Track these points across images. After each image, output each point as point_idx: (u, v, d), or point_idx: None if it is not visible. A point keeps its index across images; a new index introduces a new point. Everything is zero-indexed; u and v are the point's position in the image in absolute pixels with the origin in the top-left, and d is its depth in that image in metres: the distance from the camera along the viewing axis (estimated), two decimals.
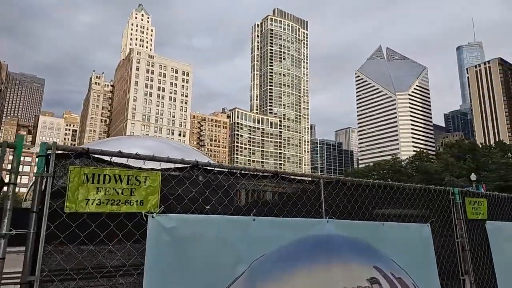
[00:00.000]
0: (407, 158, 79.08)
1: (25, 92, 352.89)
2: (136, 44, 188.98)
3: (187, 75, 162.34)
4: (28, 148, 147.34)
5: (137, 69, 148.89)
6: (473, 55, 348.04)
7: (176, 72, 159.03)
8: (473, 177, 31.15)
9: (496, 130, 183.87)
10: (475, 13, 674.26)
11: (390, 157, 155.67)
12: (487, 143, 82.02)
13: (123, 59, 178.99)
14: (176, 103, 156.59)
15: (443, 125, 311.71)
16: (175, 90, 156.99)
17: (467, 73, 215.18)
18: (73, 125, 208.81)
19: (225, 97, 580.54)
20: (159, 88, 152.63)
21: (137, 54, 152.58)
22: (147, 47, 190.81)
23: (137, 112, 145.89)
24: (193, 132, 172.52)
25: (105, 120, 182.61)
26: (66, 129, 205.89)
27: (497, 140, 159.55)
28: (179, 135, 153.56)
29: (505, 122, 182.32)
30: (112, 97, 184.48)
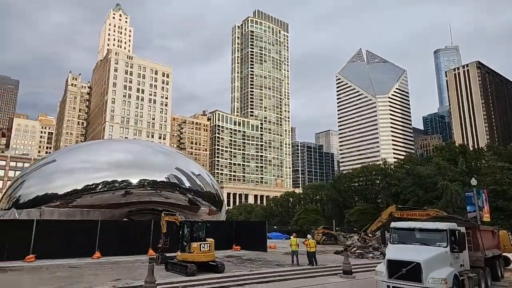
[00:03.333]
0: (396, 161, 78.09)
1: None
2: (114, 45, 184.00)
3: (167, 76, 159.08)
4: (2, 152, 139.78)
5: (115, 70, 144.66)
6: (450, 58, 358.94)
7: (156, 74, 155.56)
8: (473, 182, 30.05)
9: (474, 133, 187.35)
10: (452, 18, 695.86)
11: (370, 160, 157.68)
12: (467, 146, 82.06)
13: (100, 60, 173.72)
14: (156, 105, 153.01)
15: (422, 128, 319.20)
16: (154, 92, 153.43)
17: (446, 76, 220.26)
18: (49, 128, 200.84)
19: (204, 100, 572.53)
20: (138, 90, 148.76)
21: (115, 54, 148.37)
22: (125, 48, 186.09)
23: (115, 114, 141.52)
24: (173, 135, 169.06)
25: (82, 123, 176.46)
26: (41, 132, 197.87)
27: (475, 142, 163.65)
28: (159, 138, 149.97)
29: (483, 125, 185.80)
30: (89, 99, 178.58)
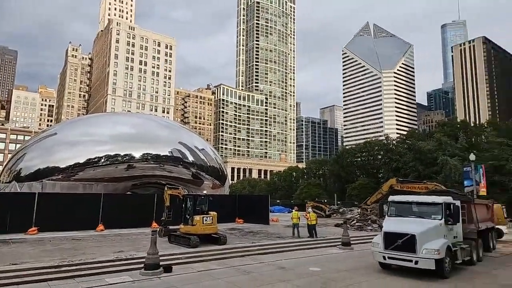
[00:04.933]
0: (398, 136, 78.34)
1: None
2: (115, 14, 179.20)
3: (171, 48, 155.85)
4: (2, 124, 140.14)
5: (117, 41, 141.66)
6: (457, 33, 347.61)
7: (159, 45, 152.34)
8: (472, 157, 30.76)
9: (476, 109, 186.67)
10: None
11: (374, 135, 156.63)
12: (469, 122, 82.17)
13: (101, 30, 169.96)
14: (159, 78, 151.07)
15: (425, 103, 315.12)
16: (157, 65, 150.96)
17: (452, 52, 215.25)
18: (50, 100, 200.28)
19: (208, 74, 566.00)
20: (140, 62, 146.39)
21: (117, 25, 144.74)
22: (127, 18, 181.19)
23: (117, 87, 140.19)
24: (177, 109, 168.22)
25: (84, 96, 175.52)
26: (42, 105, 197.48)
27: (477, 119, 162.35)
28: (163, 111, 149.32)
29: (486, 101, 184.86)
30: (90, 71, 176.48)
